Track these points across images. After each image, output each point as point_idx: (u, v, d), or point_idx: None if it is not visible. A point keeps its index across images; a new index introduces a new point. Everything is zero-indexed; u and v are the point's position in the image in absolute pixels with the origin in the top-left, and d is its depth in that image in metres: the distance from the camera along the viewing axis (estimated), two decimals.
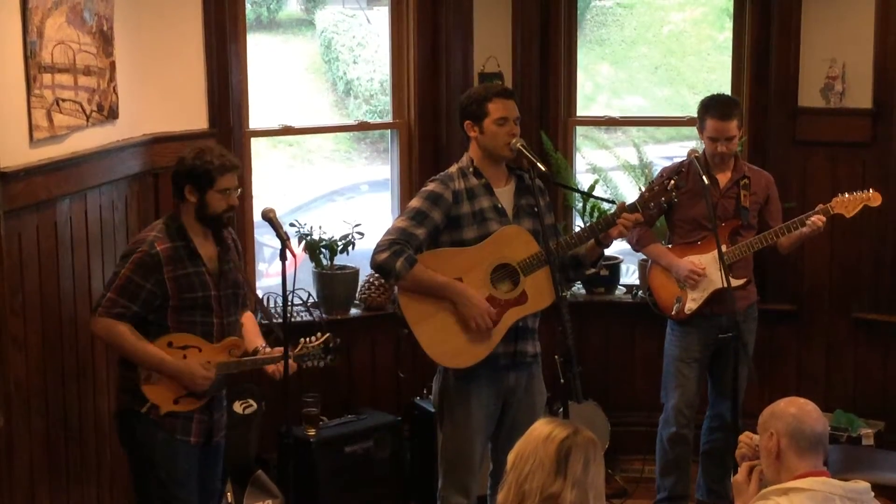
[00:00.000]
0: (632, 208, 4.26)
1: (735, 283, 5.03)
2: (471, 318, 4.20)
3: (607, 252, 6.31)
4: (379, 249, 4.21)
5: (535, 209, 4.29)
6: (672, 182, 4.26)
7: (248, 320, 4.37)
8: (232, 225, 4.27)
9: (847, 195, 5.10)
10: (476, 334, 4.23)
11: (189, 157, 4.09)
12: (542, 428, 2.91)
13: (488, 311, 4.22)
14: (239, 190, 4.18)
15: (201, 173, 4.04)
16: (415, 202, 4.31)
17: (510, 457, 2.91)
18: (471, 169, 4.33)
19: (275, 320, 4.79)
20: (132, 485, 4.26)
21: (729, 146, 5.13)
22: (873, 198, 5.10)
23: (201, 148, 4.13)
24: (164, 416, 4.05)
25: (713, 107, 5.15)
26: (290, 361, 4.17)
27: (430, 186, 4.32)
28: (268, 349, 4.26)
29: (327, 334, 4.30)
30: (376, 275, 5.83)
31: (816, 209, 5.06)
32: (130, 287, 4.00)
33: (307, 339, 4.27)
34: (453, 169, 4.37)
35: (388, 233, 4.26)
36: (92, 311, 4.12)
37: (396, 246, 4.18)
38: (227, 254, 4.22)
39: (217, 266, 4.16)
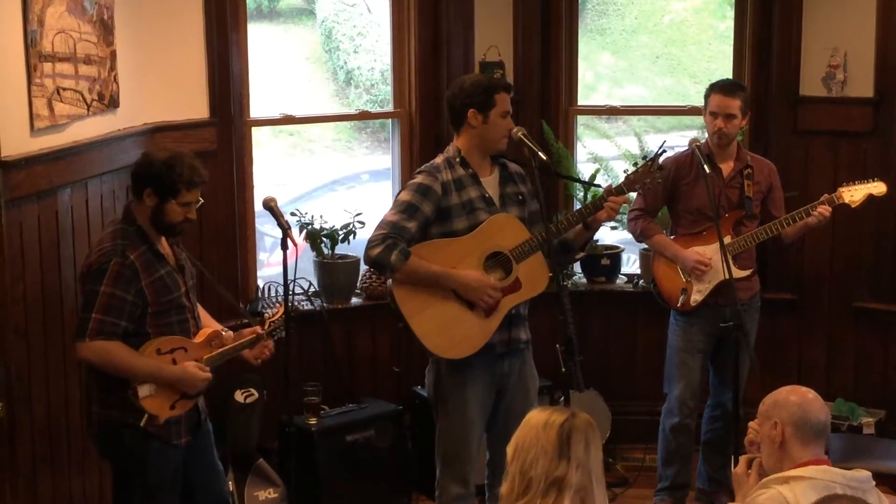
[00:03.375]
0: (618, 190, 4.28)
1: (741, 273, 5.03)
2: (478, 297, 4.20)
3: (609, 241, 6.37)
4: (372, 244, 4.18)
5: (520, 196, 4.32)
6: (653, 162, 4.28)
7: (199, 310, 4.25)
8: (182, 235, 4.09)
9: (852, 185, 5.09)
10: (474, 323, 4.23)
11: (159, 160, 3.91)
12: (538, 416, 2.91)
13: (491, 286, 4.22)
14: (200, 202, 4.00)
15: (167, 183, 3.87)
16: (404, 195, 4.27)
17: (509, 449, 2.90)
18: (458, 159, 4.32)
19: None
20: (113, 491, 4.14)
21: (728, 125, 5.09)
22: (878, 187, 5.10)
23: (174, 155, 3.94)
24: (162, 424, 3.94)
25: (718, 84, 5.17)
26: (268, 340, 4.14)
27: (419, 178, 4.29)
28: (228, 332, 4.16)
29: (283, 305, 4.25)
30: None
31: (822, 199, 5.05)
32: (115, 303, 3.81)
33: (270, 314, 4.24)
34: (439, 160, 4.35)
35: (379, 227, 4.23)
36: (77, 336, 3.86)
37: (389, 240, 4.16)
38: (179, 245, 4.12)
39: (175, 261, 4.05)
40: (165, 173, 3.87)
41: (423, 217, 4.23)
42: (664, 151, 4.37)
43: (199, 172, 3.94)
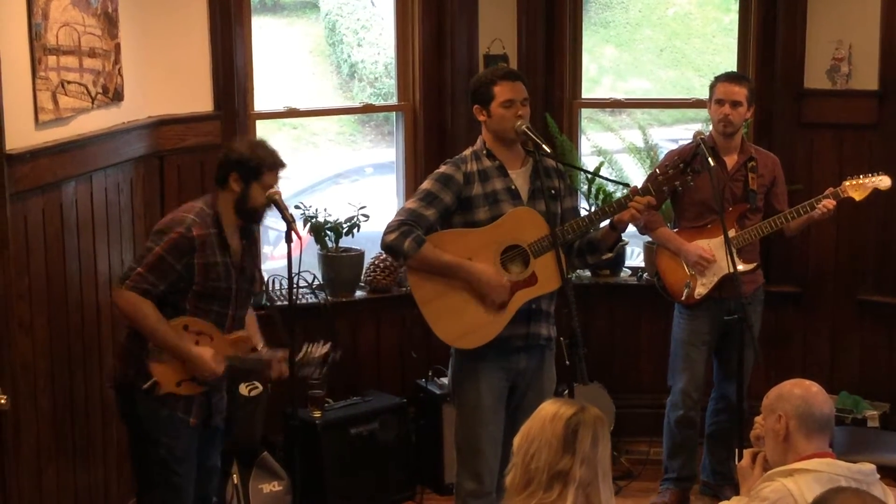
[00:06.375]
0: (644, 191, 4.24)
1: (745, 267, 5.03)
2: (487, 292, 4.20)
3: None
4: (388, 230, 4.24)
5: (553, 191, 4.30)
6: (686, 166, 4.24)
7: (249, 318, 4.36)
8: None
9: (857, 179, 5.07)
10: (485, 315, 4.23)
11: (241, 146, 4.14)
12: (548, 408, 2.90)
13: (502, 283, 4.22)
14: (278, 191, 4.18)
15: (252, 165, 4.07)
16: (426, 184, 4.34)
17: (516, 439, 2.89)
18: (484, 152, 4.35)
19: (278, 302, 4.75)
20: (131, 461, 4.26)
21: (734, 112, 5.09)
22: (883, 181, 5.08)
23: (254, 141, 4.21)
24: (165, 394, 4.05)
25: (725, 74, 5.20)
26: (287, 367, 4.20)
27: (442, 168, 4.36)
28: (266, 349, 4.27)
29: (328, 345, 4.34)
30: (382, 257, 5.85)
31: (826, 192, 5.04)
32: (162, 266, 3.98)
33: (310, 348, 4.31)
34: (468, 151, 4.39)
35: (398, 214, 4.29)
36: (118, 282, 4.08)
37: (405, 227, 4.20)
38: (252, 248, 4.24)
39: (240, 260, 4.17)
40: (248, 156, 4.09)
41: (442, 206, 4.26)
42: (697, 155, 4.32)
43: (278, 156, 4.15)
